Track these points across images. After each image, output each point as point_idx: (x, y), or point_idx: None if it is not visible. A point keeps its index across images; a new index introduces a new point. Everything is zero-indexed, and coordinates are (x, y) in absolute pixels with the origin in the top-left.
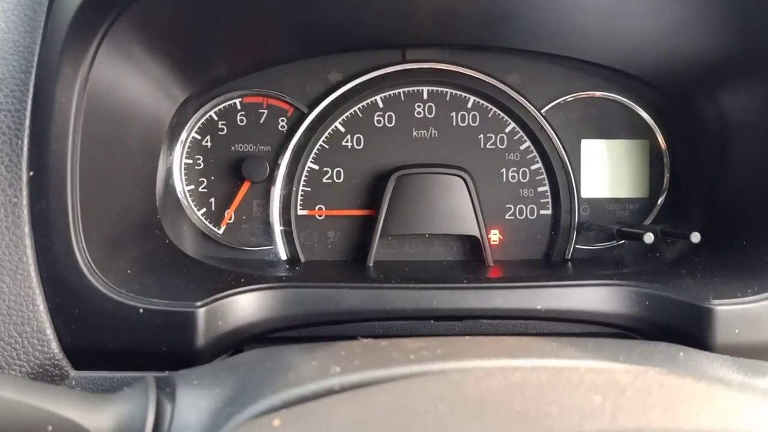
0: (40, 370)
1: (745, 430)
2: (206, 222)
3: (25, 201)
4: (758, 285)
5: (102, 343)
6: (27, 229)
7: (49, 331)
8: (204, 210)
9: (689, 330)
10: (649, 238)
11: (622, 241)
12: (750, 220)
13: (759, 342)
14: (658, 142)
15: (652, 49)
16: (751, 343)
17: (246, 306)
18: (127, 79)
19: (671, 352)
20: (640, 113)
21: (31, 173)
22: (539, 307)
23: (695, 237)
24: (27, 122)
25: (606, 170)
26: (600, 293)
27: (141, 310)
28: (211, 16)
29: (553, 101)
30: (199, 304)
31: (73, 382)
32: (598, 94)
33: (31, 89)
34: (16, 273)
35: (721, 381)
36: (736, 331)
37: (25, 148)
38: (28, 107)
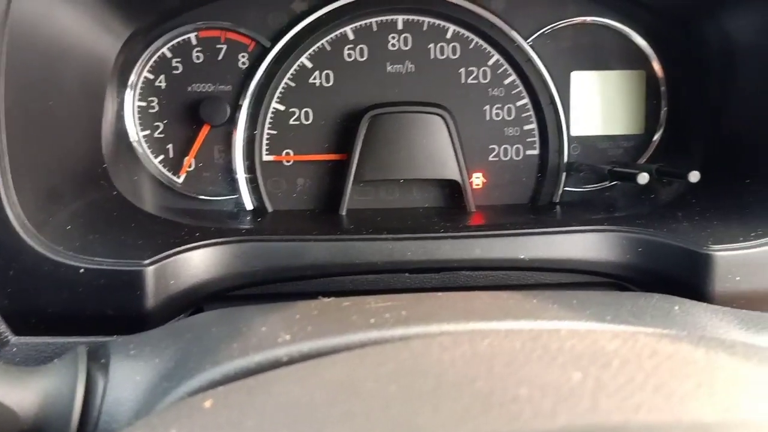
0: None
1: (748, 415)
2: (164, 170)
3: None
4: (762, 228)
5: (41, 306)
6: None
7: None
8: (161, 157)
9: (686, 278)
10: (643, 178)
11: (615, 183)
12: (755, 156)
13: (762, 290)
14: (655, 73)
15: None
16: (754, 291)
17: (201, 263)
18: (57, 12)
19: (666, 307)
20: (636, 41)
21: None
22: (522, 257)
23: (694, 176)
24: None
25: (598, 105)
26: (589, 240)
27: (82, 270)
28: None
29: (541, 29)
30: (147, 261)
31: (14, 349)
32: (589, 19)
33: None
34: None
35: (722, 344)
36: (737, 278)
37: None
38: None
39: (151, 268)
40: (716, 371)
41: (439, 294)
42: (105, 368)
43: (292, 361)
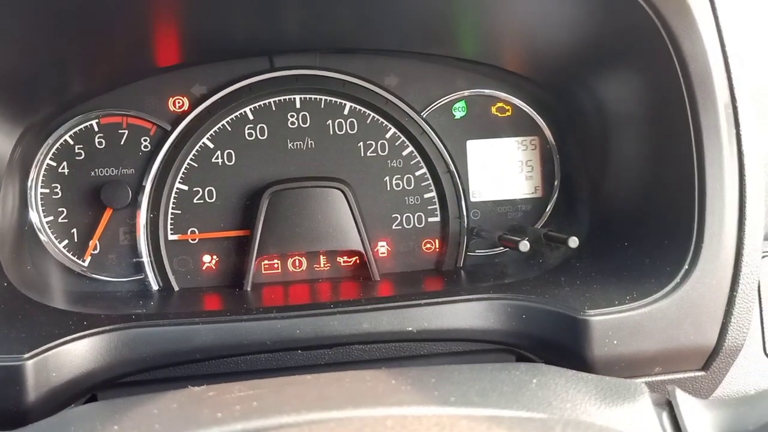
0: None
1: None
2: (69, 255)
3: None
4: (637, 291)
5: None
6: None
7: None
8: (66, 242)
9: (566, 343)
10: (524, 246)
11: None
12: (631, 220)
13: (640, 352)
14: (547, 140)
15: (521, 43)
16: (633, 354)
17: (86, 352)
18: None
19: (524, 380)
20: (525, 109)
21: None
22: (410, 329)
23: (573, 241)
24: None
25: (495, 171)
26: (475, 308)
27: None
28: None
29: (433, 103)
30: (27, 355)
31: None
32: (478, 91)
33: None
34: None
35: (543, 426)
36: (615, 342)
37: None
38: None
39: (30, 362)
40: None
41: (308, 377)
42: None
43: None
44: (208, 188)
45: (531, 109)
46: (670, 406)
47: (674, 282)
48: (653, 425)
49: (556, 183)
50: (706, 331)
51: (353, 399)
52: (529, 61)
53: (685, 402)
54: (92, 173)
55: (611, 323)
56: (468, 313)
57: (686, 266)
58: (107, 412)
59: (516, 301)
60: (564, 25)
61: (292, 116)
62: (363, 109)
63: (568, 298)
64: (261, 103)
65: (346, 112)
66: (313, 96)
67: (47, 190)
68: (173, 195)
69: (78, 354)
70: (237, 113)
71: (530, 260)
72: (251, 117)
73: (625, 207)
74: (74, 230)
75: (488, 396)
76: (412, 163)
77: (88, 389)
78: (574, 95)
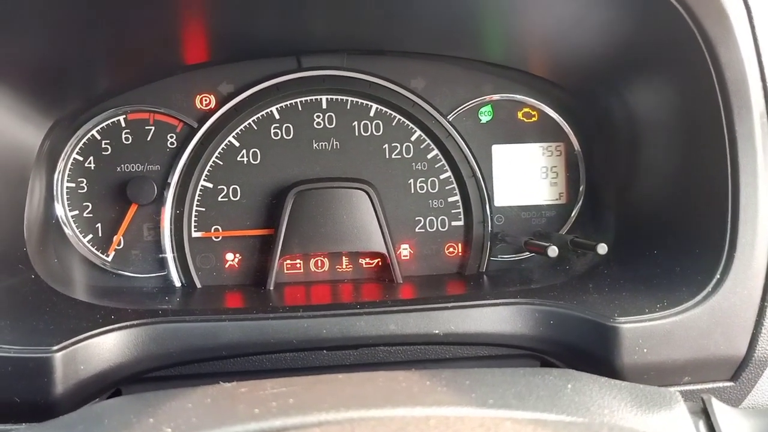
0: None
1: None
2: (93, 249)
3: None
4: (668, 299)
5: None
6: None
7: None
8: (90, 236)
9: (594, 351)
10: (552, 251)
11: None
12: (660, 228)
13: (670, 360)
14: (573, 146)
15: (551, 48)
16: (662, 363)
17: (113, 346)
18: None
19: (558, 385)
20: (551, 115)
21: None
22: (437, 332)
23: (602, 248)
24: None
25: (520, 176)
26: (502, 313)
27: None
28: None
29: (460, 106)
30: (56, 348)
31: None
32: (506, 96)
33: None
34: None
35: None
36: (645, 350)
37: None
38: None
39: (59, 354)
40: None
41: (339, 376)
42: None
43: None
44: (232, 186)
45: (558, 115)
46: (705, 414)
47: (706, 291)
48: None
49: (581, 189)
50: (736, 341)
51: (391, 398)
52: (558, 66)
53: (721, 410)
54: (118, 168)
55: (641, 331)
56: (495, 317)
57: (718, 275)
58: (140, 405)
59: (544, 307)
60: (596, 30)
61: (318, 116)
62: (389, 111)
63: (598, 305)
64: (287, 102)
65: (372, 113)
66: (339, 97)
67: (73, 185)
68: (198, 192)
69: (106, 347)
70: (263, 112)
71: (556, 266)
72: (277, 116)
73: (654, 214)
74: (99, 225)
75: (526, 399)
76: (436, 166)
77: (114, 383)
78: (603, 102)
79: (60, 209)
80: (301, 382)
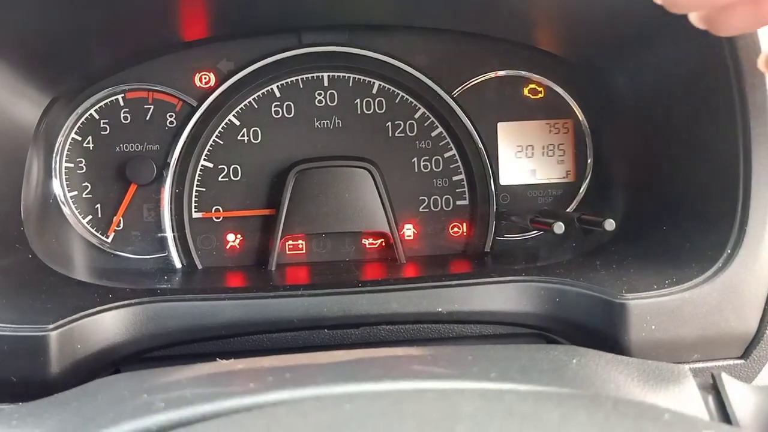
0: None
1: None
2: (93, 230)
3: None
4: (677, 275)
5: None
6: None
7: None
8: (90, 217)
9: (601, 328)
10: (558, 227)
11: (540, 232)
12: (669, 203)
13: (678, 337)
14: (580, 122)
15: (558, 19)
16: (671, 339)
17: (111, 325)
18: None
19: (563, 360)
20: (558, 91)
21: None
22: (440, 310)
23: (609, 224)
24: None
25: (525, 154)
26: (507, 291)
27: None
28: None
29: (464, 83)
30: (51, 326)
31: None
32: (511, 72)
33: None
34: None
35: (593, 402)
36: (653, 327)
37: None
38: None
39: (55, 333)
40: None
41: (339, 352)
42: None
43: (162, 430)
44: (233, 166)
45: (564, 92)
46: (716, 390)
47: (716, 266)
48: (699, 409)
49: (588, 166)
50: (747, 317)
51: (389, 372)
52: (565, 38)
53: (732, 386)
54: (117, 148)
55: (649, 307)
56: (500, 296)
57: (729, 250)
58: (135, 381)
59: (550, 284)
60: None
61: (319, 94)
62: (392, 89)
63: (605, 282)
64: (288, 80)
65: (374, 91)
66: (341, 74)
67: (72, 165)
68: (198, 172)
69: (103, 326)
70: (264, 90)
71: (563, 244)
72: (278, 94)
73: (664, 190)
74: (98, 206)
75: (529, 373)
76: (441, 144)
77: (112, 363)
78: (611, 76)
79: (59, 190)
80: (300, 358)
